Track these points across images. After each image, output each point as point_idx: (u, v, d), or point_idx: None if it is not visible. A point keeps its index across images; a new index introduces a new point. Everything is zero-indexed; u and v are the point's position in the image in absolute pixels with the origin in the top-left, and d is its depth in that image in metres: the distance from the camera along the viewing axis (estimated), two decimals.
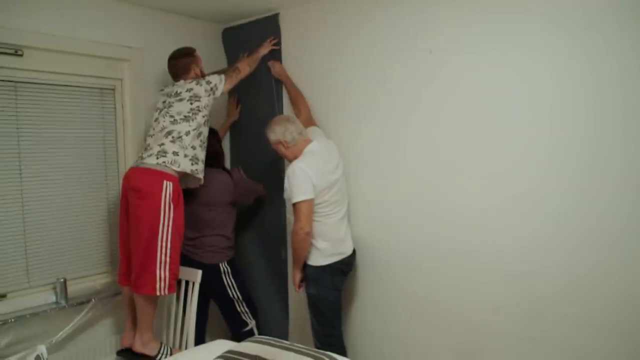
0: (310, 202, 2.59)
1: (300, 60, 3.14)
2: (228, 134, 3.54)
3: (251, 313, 3.05)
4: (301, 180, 2.56)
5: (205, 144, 2.79)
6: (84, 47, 2.77)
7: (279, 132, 2.71)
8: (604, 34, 2.07)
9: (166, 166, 2.56)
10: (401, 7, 2.65)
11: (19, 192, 2.61)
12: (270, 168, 3.28)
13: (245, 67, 2.97)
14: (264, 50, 3.13)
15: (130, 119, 3.01)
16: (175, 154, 2.60)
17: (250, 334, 2.98)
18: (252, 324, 3.05)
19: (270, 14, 3.22)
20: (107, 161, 2.96)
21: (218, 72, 2.89)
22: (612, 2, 2.05)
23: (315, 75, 3.06)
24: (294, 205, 2.60)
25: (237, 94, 3.42)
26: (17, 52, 2.51)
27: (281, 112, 3.22)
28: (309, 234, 2.62)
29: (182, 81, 2.77)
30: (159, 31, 3.12)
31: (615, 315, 2.10)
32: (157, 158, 2.57)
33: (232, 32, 3.45)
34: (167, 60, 2.89)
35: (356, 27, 2.84)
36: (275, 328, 3.29)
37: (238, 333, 2.99)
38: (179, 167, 2.60)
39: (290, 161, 2.71)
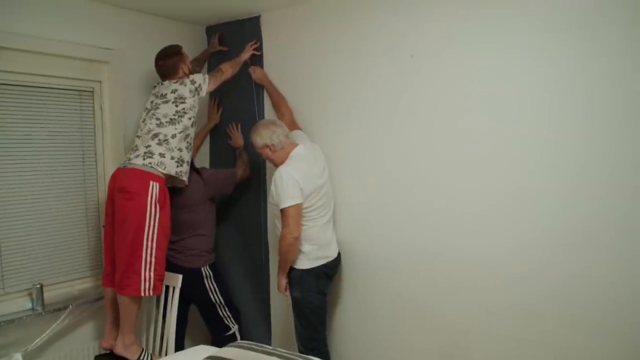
0: (299, 207, 2.58)
1: (282, 62, 3.13)
2: (208, 138, 3.51)
3: (234, 317, 3.02)
4: (289, 186, 2.55)
5: (192, 145, 2.78)
6: (62, 48, 2.72)
7: (266, 136, 2.69)
8: (597, 35, 2.09)
9: (152, 167, 2.56)
10: (383, 11, 2.66)
11: None
12: (252, 172, 3.25)
13: (227, 69, 2.96)
14: (246, 54, 3.12)
15: (110, 122, 2.97)
16: (162, 155, 2.60)
17: (232, 338, 2.94)
18: (234, 328, 3.02)
19: (251, 16, 3.20)
20: (85, 164, 2.91)
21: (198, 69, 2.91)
22: (605, 3, 2.06)
23: (297, 77, 3.06)
24: (282, 210, 2.58)
25: (218, 97, 3.39)
26: None
27: (262, 115, 3.20)
28: (297, 239, 2.61)
29: (167, 82, 2.77)
30: (140, 33, 3.08)
31: (611, 316, 2.11)
32: (144, 159, 2.57)
33: (216, 29, 3.42)
34: (148, 61, 2.86)
35: (338, 30, 2.84)
36: (257, 332, 3.26)
37: (220, 337, 2.95)
38: (164, 169, 2.61)
39: (276, 165, 2.70)
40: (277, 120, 2.84)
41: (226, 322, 3.00)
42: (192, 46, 3.33)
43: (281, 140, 2.69)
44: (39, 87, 2.69)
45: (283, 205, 2.57)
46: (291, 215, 2.57)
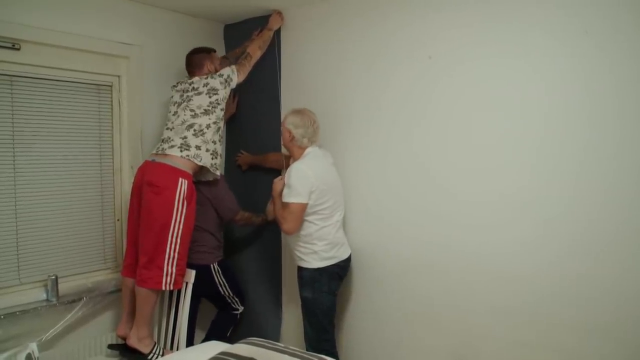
0: (304, 206, 2.58)
1: (300, 60, 3.13)
2: (225, 129, 3.50)
3: (240, 302, 3.10)
4: (302, 183, 2.55)
5: (223, 139, 2.79)
6: (82, 42, 2.75)
7: (296, 124, 2.67)
8: (600, 41, 2.08)
9: (189, 159, 2.61)
10: (405, 12, 2.66)
11: (12, 187, 2.58)
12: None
13: (256, 51, 2.98)
14: (275, 24, 3.09)
15: (127, 116, 2.99)
16: (198, 148, 2.66)
17: (236, 317, 3.08)
18: (240, 309, 3.10)
19: (270, 14, 3.19)
20: (102, 158, 2.94)
21: (229, 62, 2.95)
22: (608, 10, 2.06)
23: (315, 76, 3.06)
24: (287, 204, 2.59)
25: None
26: (14, 46, 2.49)
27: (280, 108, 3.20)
28: (293, 234, 2.66)
29: (197, 77, 2.82)
30: (159, 29, 3.11)
31: (611, 318, 2.10)
32: (181, 151, 2.62)
33: (234, 27, 3.43)
34: (166, 57, 2.96)
35: (358, 28, 2.84)
36: (268, 331, 3.27)
37: (225, 314, 3.08)
38: (200, 160, 2.65)
39: (288, 154, 2.76)
40: (316, 120, 2.73)
41: (234, 305, 3.08)
42: (210, 43, 3.32)
43: (302, 140, 2.68)
44: (58, 80, 2.72)
45: (289, 200, 2.57)
46: (293, 212, 2.57)
